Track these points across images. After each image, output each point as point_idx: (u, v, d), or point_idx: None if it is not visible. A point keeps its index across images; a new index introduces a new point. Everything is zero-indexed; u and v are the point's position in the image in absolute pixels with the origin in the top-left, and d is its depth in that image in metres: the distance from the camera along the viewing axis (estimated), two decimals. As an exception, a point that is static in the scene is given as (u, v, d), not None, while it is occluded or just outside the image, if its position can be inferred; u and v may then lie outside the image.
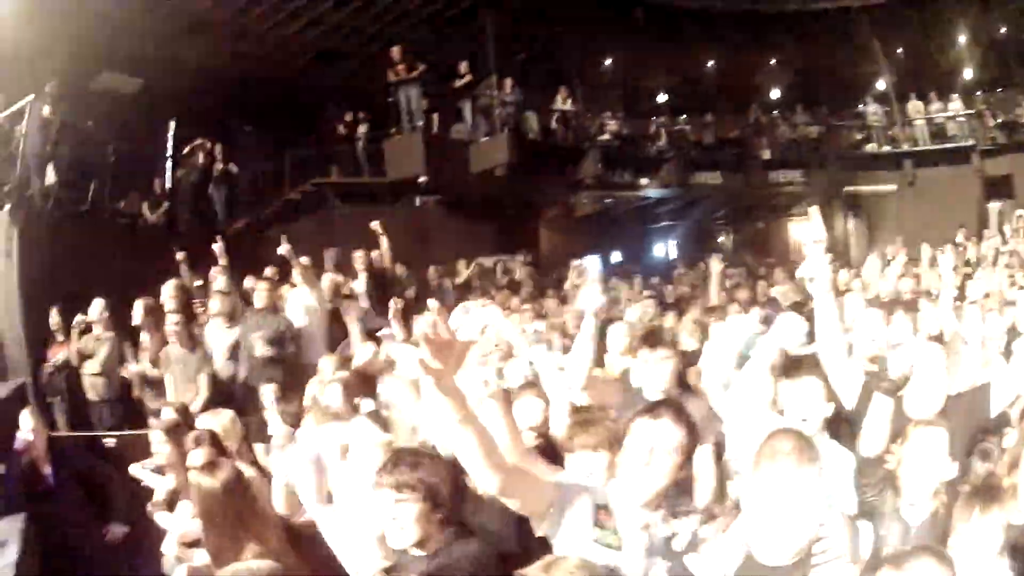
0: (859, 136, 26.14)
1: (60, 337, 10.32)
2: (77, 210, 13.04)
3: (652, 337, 6.04)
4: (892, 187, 24.41)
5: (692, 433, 3.36)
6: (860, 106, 26.14)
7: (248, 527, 4.25)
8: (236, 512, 4.27)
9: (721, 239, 28.39)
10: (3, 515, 5.84)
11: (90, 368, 9.86)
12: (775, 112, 26.57)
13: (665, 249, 26.66)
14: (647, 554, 3.31)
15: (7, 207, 11.93)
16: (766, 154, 25.28)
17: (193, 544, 5.37)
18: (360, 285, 11.07)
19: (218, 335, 9.39)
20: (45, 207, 12.62)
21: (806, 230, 4.71)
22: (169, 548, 5.58)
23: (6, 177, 12.41)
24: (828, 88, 26.12)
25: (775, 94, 27.30)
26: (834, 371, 4.69)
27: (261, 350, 8.81)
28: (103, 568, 6.80)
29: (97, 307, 9.93)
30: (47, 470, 6.96)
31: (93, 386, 9.90)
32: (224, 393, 8.67)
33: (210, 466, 4.49)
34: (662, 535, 3.33)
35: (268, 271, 10.66)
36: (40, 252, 11.73)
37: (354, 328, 8.73)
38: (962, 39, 24.60)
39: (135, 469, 6.87)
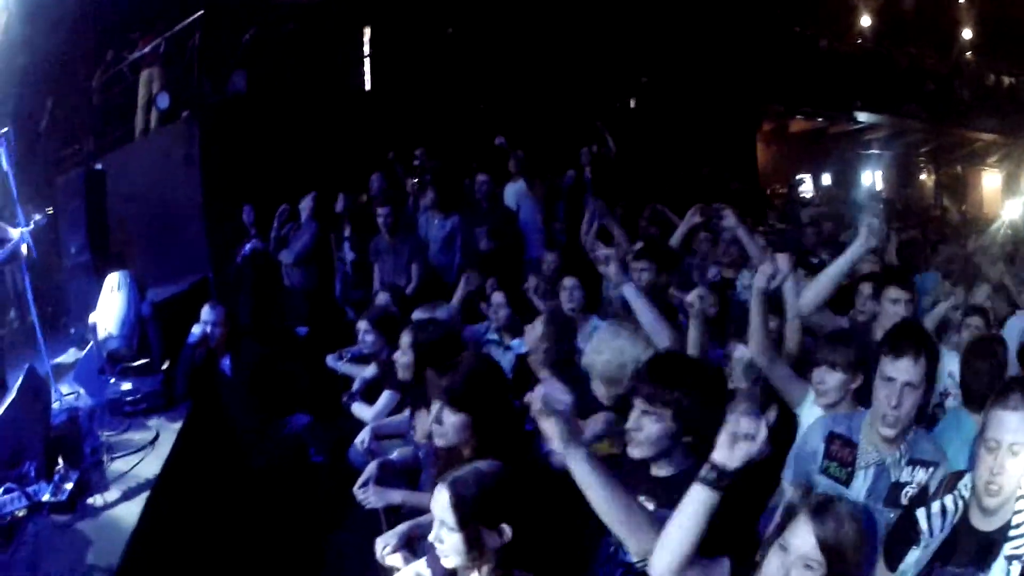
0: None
1: (254, 231, 10.18)
2: (271, 105, 12.68)
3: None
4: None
5: (932, 371, 3.36)
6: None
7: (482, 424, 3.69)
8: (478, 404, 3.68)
9: (923, 177, 27.49)
10: (167, 409, 5.78)
11: (287, 257, 9.75)
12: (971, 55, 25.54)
13: (872, 177, 25.45)
14: (872, 497, 3.34)
15: (185, 113, 11.93)
16: (965, 95, 24.40)
17: (387, 438, 5.18)
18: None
19: (432, 226, 9.29)
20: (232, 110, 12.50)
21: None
22: (362, 440, 5.14)
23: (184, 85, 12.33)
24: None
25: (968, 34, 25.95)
26: None
27: (483, 244, 8.63)
28: (277, 461, 6.51)
29: (307, 198, 9.73)
30: (225, 363, 6.71)
31: (288, 276, 9.85)
32: (438, 285, 8.36)
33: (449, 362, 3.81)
34: (893, 479, 3.37)
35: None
36: (225, 152, 11.69)
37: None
38: None
39: (331, 360, 6.75)
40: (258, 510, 6.01)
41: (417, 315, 5.69)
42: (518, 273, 8.28)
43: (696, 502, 2.55)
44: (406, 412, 5.18)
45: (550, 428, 2.73)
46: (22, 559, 3.69)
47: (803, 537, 2.54)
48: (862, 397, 3.95)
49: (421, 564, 3.37)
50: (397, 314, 6.11)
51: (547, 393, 2.78)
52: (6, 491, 4.04)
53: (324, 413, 6.64)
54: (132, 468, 4.80)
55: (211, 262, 10.97)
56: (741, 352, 4.58)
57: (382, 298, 6.87)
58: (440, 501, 2.82)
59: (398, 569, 3.59)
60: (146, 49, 12.61)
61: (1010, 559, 2.81)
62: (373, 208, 9.15)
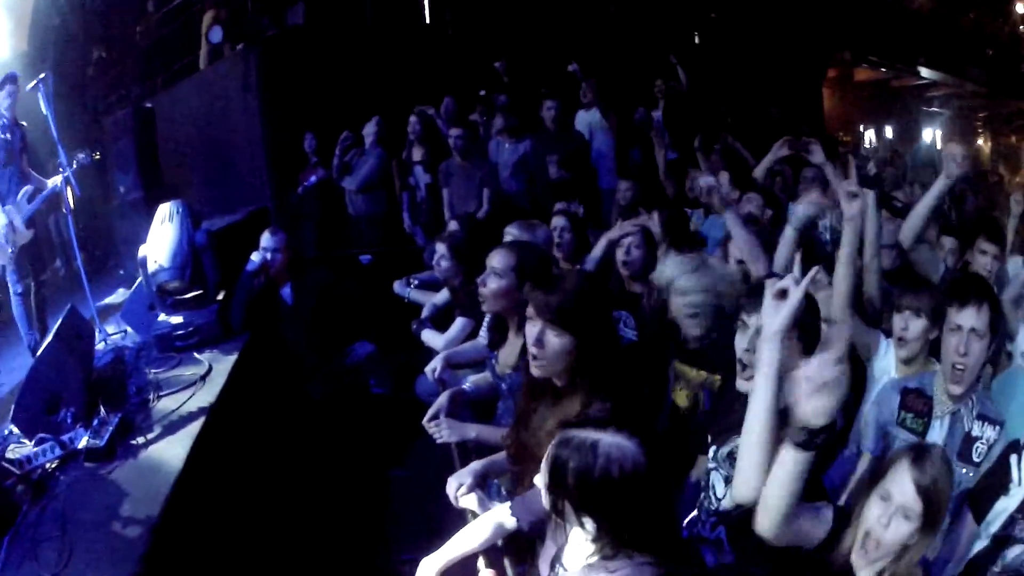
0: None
1: (315, 159, 10.12)
2: (330, 37, 12.43)
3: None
4: None
5: (995, 322, 3.33)
6: None
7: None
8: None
9: (980, 143, 27.00)
10: (223, 342, 5.49)
11: (351, 184, 9.59)
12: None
13: (933, 135, 25.30)
14: (947, 448, 3.22)
15: (240, 46, 11.82)
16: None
17: (460, 367, 4.82)
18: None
19: (503, 151, 8.99)
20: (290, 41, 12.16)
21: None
22: (433, 368, 4.73)
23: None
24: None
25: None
26: None
27: (554, 172, 8.31)
28: (337, 393, 6.25)
29: (370, 124, 9.60)
30: (286, 291, 6.46)
31: (352, 203, 9.71)
32: (510, 211, 7.88)
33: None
34: (966, 429, 3.37)
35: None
36: (284, 84, 11.46)
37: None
38: None
39: (399, 286, 6.64)
40: (316, 445, 5.75)
41: (514, 234, 5.31)
42: (594, 202, 8.20)
43: (789, 463, 2.40)
44: (480, 339, 4.83)
45: (775, 310, 2.55)
46: (52, 512, 3.32)
47: (905, 485, 2.52)
48: (935, 350, 3.82)
49: (504, 511, 3.02)
50: (472, 239, 5.71)
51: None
52: (39, 441, 3.73)
53: (387, 344, 6.39)
54: (181, 406, 4.45)
55: (272, 192, 10.84)
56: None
57: (455, 223, 6.55)
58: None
59: (475, 513, 3.24)
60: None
61: None
62: (445, 131, 8.93)
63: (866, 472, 3.47)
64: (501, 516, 3.00)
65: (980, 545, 3.01)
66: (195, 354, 5.23)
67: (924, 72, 23.06)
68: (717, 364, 3.68)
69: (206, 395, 4.61)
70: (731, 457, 2.99)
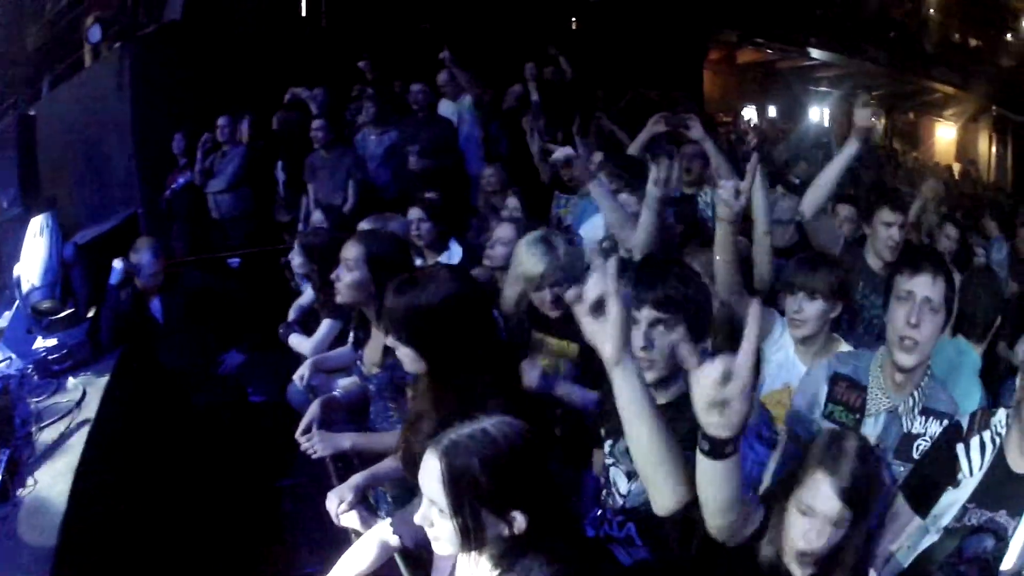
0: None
1: (184, 161, 9.73)
2: (206, 31, 12.05)
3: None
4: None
5: (950, 300, 3.09)
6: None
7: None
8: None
9: (874, 120, 26.84)
10: (95, 362, 5.08)
11: (215, 186, 9.23)
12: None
13: (820, 114, 25.20)
14: (881, 448, 3.04)
15: (117, 44, 11.34)
16: (928, 48, 24.11)
17: (331, 372, 4.61)
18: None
19: (370, 142, 8.74)
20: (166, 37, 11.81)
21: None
22: (301, 376, 4.49)
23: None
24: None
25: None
26: None
27: (414, 162, 8.15)
28: (214, 405, 5.96)
29: (223, 121, 9.24)
30: (155, 303, 6.09)
31: (217, 205, 9.32)
32: (377, 204, 7.63)
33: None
34: (905, 429, 3.08)
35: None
36: (157, 82, 10.96)
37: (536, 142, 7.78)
38: None
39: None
40: (200, 461, 5.44)
41: (365, 226, 5.09)
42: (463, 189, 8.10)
43: (707, 471, 2.16)
44: (350, 342, 4.52)
45: (602, 332, 2.12)
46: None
47: (827, 498, 2.39)
48: (839, 327, 3.78)
49: (385, 528, 2.85)
50: (333, 234, 5.39)
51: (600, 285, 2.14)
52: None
53: (264, 347, 6.06)
54: (60, 437, 4.17)
55: (143, 196, 10.34)
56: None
57: (316, 217, 6.35)
58: (429, 474, 2.12)
59: (357, 532, 3.03)
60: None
61: None
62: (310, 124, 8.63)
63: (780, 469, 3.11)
64: (383, 533, 2.83)
65: (929, 539, 2.88)
66: (70, 378, 4.88)
67: (814, 53, 23.28)
68: (576, 332, 3.50)
69: (83, 422, 4.32)
70: (629, 452, 2.81)
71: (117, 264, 5.77)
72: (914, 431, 3.09)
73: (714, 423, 2.02)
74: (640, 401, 2.19)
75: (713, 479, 2.17)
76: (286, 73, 10.39)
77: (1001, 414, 2.86)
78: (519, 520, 2.07)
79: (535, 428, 2.21)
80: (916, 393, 3.11)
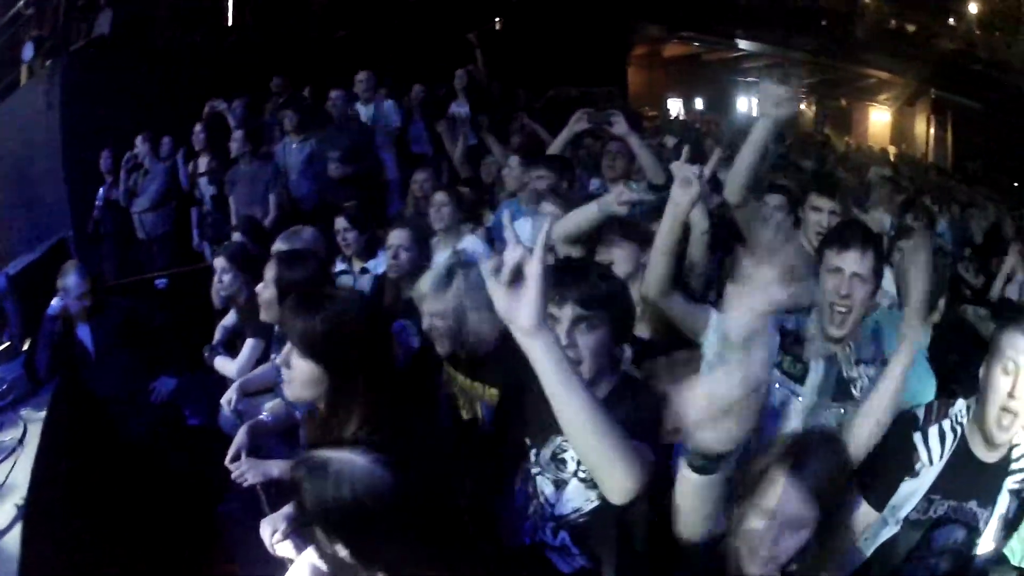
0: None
1: (111, 179, 9.57)
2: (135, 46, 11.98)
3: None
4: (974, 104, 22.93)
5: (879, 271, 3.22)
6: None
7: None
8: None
9: (803, 108, 26.86)
10: (33, 395, 5.09)
11: (140, 205, 9.13)
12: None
13: (748, 104, 25.28)
14: (822, 392, 3.18)
15: (49, 62, 11.33)
16: (861, 34, 24.09)
17: (258, 393, 4.43)
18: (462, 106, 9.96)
19: (290, 152, 8.52)
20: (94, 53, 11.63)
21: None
22: (229, 400, 4.36)
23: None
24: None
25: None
26: None
27: (334, 169, 7.93)
28: (151, 433, 5.75)
29: (142, 139, 9.16)
30: (84, 331, 5.82)
31: (142, 224, 9.21)
32: (299, 215, 7.65)
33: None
34: (844, 374, 3.21)
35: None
36: (87, 98, 10.76)
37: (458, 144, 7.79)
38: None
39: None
40: (141, 490, 5.22)
41: (279, 244, 4.99)
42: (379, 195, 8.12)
43: (690, 487, 2.01)
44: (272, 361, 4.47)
45: (517, 302, 1.94)
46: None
47: (788, 500, 2.29)
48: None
49: (312, 553, 2.64)
50: (255, 249, 5.39)
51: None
52: None
53: (197, 369, 5.79)
54: (6, 478, 4.08)
55: (73, 219, 10.14)
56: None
57: (239, 233, 6.18)
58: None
59: (292, 560, 2.86)
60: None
61: (1013, 493, 2.80)
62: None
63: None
64: (311, 558, 2.60)
65: (889, 530, 2.86)
66: (12, 413, 4.82)
67: (742, 44, 23.32)
68: (491, 373, 3.36)
69: (26, 460, 4.26)
70: (555, 459, 2.73)
71: (55, 301, 5.61)
72: (852, 375, 3.23)
73: (715, 438, 1.82)
74: (566, 374, 2.00)
75: (698, 493, 2.02)
76: (212, 84, 10.23)
77: (960, 404, 2.87)
78: (341, 552, 2.07)
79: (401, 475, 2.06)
80: (851, 345, 3.25)
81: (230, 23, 14.35)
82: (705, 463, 1.89)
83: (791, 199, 5.18)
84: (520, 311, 1.93)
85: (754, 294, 1.79)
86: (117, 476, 5.33)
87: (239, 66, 11.42)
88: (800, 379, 3.24)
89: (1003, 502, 2.81)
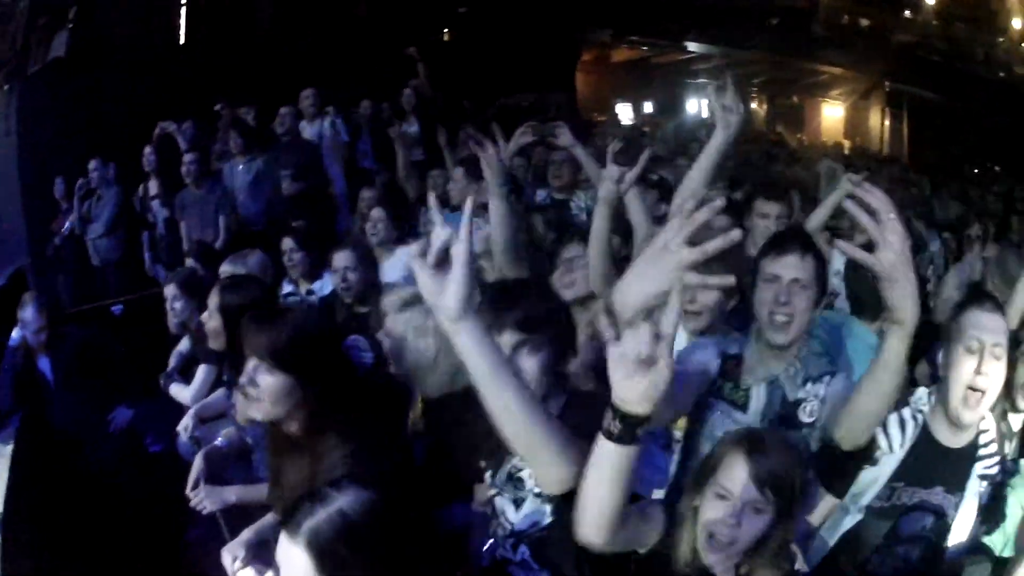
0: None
1: (66, 206, 9.46)
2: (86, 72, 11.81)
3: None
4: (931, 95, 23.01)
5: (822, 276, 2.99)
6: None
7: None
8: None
9: (755, 107, 26.75)
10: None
11: (94, 231, 9.00)
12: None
13: (698, 106, 24.98)
14: (766, 419, 2.92)
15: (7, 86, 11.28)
16: (818, 31, 24.05)
17: (214, 419, 4.40)
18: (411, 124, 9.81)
19: (237, 172, 8.34)
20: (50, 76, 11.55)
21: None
22: (185, 427, 4.40)
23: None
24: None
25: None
26: None
27: (287, 186, 7.89)
28: (111, 464, 5.67)
29: (94, 164, 8.96)
30: (44, 362, 5.82)
31: (96, 251, 9.08)
32: (248, 237, 7.41)
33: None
34: (790, 398, 2.94)
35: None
36: (44, 124, 10.70)
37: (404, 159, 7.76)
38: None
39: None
40: (110, 520, 5.14)
41: (225, 268, 4.95)
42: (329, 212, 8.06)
43: (606, 462, 1.89)
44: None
45: (443, 286, 1.89)
46: None
47: (743, 481, 2.27)
48: (735, 319, 3.52)
49: None
50: (206, 274, 5.37)
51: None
52: None
53: (156, 396, 5.64)
54: None
55: (30, 248, 10.06)
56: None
57: (191, 258, 6.26)
58: (294, 566, 1.94)
59: None
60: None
61: (982, 478, 2.80)
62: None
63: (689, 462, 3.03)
64: None
65: (852, 519, 2.85)
66: None
67: (691, 46, 23.20)
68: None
69: None
70: (512, 479, 2.67)
71: (15, 333, 5.64)
72: (799, 396, 2.95)
73: (634, 396, 1.77)
74: (494, 362, 1.97)
75: (609, 474, 1.91)
76: (165, 106, 10.07)
77: (921, 392, 2.88)
78: None
79: (387, 490, 2.04)
80: (797, 363, 2.97)
81: (182, 42, 14.28)
82: (622, 429, 1.83)
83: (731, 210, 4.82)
84: (446, 295, 1.89)
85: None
86: (85, 507, 5.24)
87: (191, 86, 11.21)
88: (743, 406, 3.01)
89: (973, 488, 2.80)
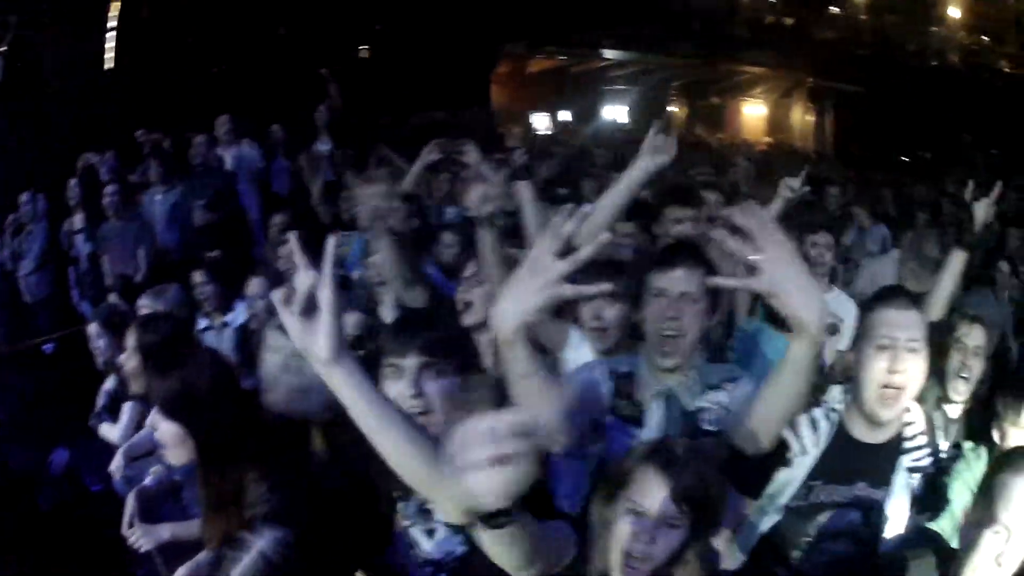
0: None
1: None
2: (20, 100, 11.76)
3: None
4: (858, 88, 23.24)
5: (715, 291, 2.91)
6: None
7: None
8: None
9: (673, 110, 26.88)
10: None
11: (24, 267, 8.96)
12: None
13: (615, 113, 25.51)
14: (663, 432, 2.81)
15: None
16: (739, 30, 24.75)
17: (144, 457, 4.18)
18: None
19: (155, 203, 8.41)
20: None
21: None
22: (117, 467, 4.29)
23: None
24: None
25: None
26: None
27: (199, 217, 7.90)
28: (59, 502, 5.58)
29: (25, 197, 8.94)
30: None
31: (27, 287, 9.01)
32: (167, 269, 7.30)
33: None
34: (688, 408, 2.86)
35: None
36: None
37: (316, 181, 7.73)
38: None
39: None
40: (64, 560, 5.02)
41: (143, 303, 5.00)
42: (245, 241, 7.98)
43: (492, 541, 1.76)
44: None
45: (312, 329, 1.88)
46: None
47: (657, 496, 2.18)
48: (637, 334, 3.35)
49: None
50: (128, 309, 5.31)
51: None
52: None
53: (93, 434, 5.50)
54: None
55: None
56: None
57: (114, 294, 6.27)
58: None
59: None
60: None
61: (912, 471, 2.82)
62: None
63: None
64: None
65: (771, 519, 2.87)
66: None
67: (609, 54, 23.44)
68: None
69: None
70: (423, 511, 2.62)
71: None
72: (699, 405, 2.87)
73: (489, 489, 1.52)
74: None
75: (499, 543, 1.77)
76: (91, 135, 10.05)
77: (835, 390, 2.99)
78: None
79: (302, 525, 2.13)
80: (692, 374, 2.91)
81: (109, 67, 14.17)
82: (488, 520, 1.64)
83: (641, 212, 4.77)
84: (316, 340, 1.86)
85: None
86: (41, 547, 5.15)
87: (114, 115, 11.16)
88: (638, 422, 2.92)
89: (901, 481, 2.81)
